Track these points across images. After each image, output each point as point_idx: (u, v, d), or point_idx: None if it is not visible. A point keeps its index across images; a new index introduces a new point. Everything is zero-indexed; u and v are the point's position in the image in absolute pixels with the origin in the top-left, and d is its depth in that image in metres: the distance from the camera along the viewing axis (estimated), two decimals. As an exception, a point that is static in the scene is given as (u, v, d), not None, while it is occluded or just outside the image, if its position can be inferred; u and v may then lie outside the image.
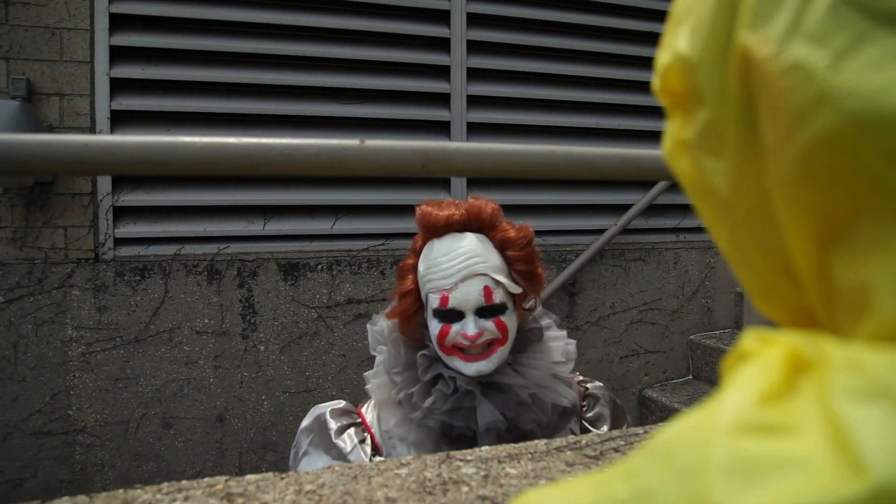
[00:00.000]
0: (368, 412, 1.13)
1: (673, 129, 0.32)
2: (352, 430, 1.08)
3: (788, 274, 0.26)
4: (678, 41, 0.29)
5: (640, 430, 0.98)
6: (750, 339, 0.22)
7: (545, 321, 1.16)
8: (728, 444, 0.18)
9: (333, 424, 1.08)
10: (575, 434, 1.14)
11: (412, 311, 1.09)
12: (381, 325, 1.15)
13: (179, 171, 0.64)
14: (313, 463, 1.06)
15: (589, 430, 1.14)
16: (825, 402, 0.17)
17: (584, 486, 0.23)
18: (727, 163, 0.27)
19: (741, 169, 0.27)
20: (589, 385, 1.21)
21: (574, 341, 1.18)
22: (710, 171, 0.28)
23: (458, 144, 0.73)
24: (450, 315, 1.03)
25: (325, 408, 1.12)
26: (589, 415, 1.16)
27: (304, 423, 1.12)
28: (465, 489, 0.78)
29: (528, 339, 1.11)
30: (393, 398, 1.09)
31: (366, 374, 1.16)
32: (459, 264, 1.03)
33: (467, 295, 1.02)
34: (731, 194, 0.28)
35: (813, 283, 0.25)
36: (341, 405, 1.13)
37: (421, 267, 1.08)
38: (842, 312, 0.23)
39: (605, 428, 1.15)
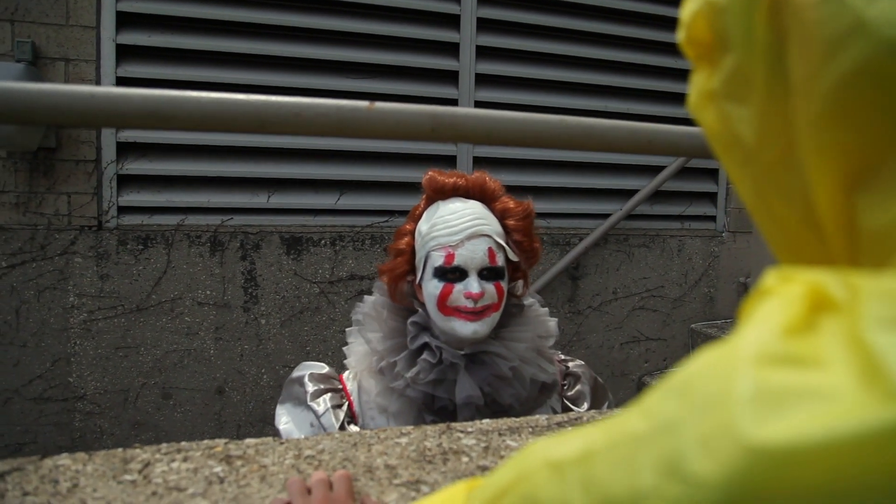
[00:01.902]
0: (349, 380, 1.16)
1: (698, 81, 0.31)
2: (327, 396, 1.11)
3: (812, 224, 0.26)
4: None
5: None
6: (772, 277, 0.21)
7: (528, 300, 1.19)
8: (752, 373, 0.17)
9: (311, 387, 1.11)
10: (557, 412, 1.14)
11: (402, 272, 1.12)
12: (363, 304, 1.17)
13: (187, 126, 0.63)
14: (283, 412, 1.12)
15: (570, 409, 1.16)
16: (854, 332, 0.17)
17: (595, 429, 0.22)
18: (754, 108, 0.27)
19: (768, 114, 0.26)
20: (570, 364, 1.23)
21: (555, 319, 1.20)
22: (736, 118, 0.28)
23: (469, 110, 0.72)
24: (453, 273, 1.05)
25: (308, 368, 1.16)
26: (570, 393, 1.18)
27: (293, 374, 1.17)
28: (465, 459, 0.78)
29: (509, 313, 1.14)
30: (374, 366, 1.11)
31: (345, 348, 1.19)
32: (467, 222, 1.06)
33: (473, 253, 1.05)
34: (757, 141, 0.27)
35: (837, 230, 0.24)
36: (325, 370, 1.16)
37: (424, 227, 1.10)
38: (867, 258, 0.23)
39: (585, 406, 1.17)
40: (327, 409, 1.08)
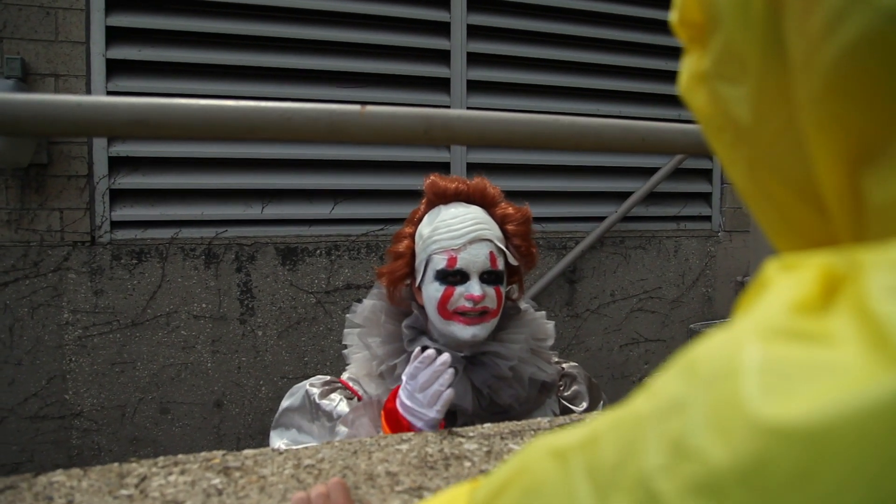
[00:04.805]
0: (349, 379, 1.17)
1: (690, 64, 0.31)
2: (335, 392, 1.12)
3: (813, 201, 0.25)
4: None
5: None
6: (772, 267, 0.21)
7: (522, 304, 1.21)
8: (760, 347, 0.17)
9: (316, 391, 1.12)
10: (555, 413, 1.15)
11: (401, 275, 1.13)
12: (361, 306, 1.18)
13: (175, 134, 0.62)
14: (275, 437, 1.12)
15: (568, 408, 1.18)
16: (861, 304, 0.16)
17: (599, 419, 0.22)
18: (749, 87, 0.26)
19: (764, 91, 0.25)
20: (565, 365, 1.25)
21: (552, 322, 1.22)
22: (730, 99, 0.27)
23: (462, 112, 0.71)
24: (454, 276, 1.07)
25: (305, 383, 1.16)
26: (567, 393, 1.20)
27: (284, 403, 1.15)
28: (467, 464, 0.77)
29: (506, 315, 1.16)
30: (374, 371, 1.12)
31: (345, 351, 1.20)
32: (469, 227, 1.08)
33: (475, 257, 1.07)
34: (754, 121, 0.27)
35: (841, 207, 0.23)
36: (325, 377, 1.17)
37: (425, 230, 1.11)
38: (873, 233, 0.22)
39: (584, 405, 1.19)
40: (341, 399, 1.10)
